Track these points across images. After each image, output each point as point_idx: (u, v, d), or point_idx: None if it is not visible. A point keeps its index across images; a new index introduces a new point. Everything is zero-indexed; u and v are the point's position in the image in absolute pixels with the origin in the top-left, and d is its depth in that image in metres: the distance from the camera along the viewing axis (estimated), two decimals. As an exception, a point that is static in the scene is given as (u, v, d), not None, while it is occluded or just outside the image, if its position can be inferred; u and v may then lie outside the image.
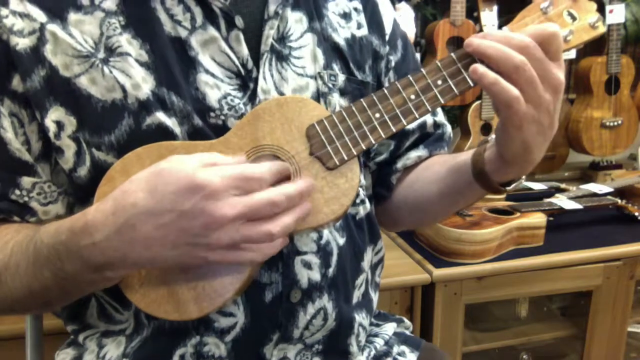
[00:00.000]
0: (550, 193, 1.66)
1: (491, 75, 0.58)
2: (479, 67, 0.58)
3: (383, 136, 0.61)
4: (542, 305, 1.67)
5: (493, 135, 0.67)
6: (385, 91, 0.62)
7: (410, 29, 1.71)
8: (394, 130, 0.61)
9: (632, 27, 1.93)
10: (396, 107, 0.61)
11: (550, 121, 0.60)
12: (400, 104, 0.61)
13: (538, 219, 1.39)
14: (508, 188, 0.69)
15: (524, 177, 0.69)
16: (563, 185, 1.74)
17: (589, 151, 1.95)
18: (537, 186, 1.72)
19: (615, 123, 1.94)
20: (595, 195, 1.59)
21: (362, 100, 0.62)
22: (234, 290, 0.58)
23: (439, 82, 0.61)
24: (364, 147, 0.61)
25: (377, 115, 0.61)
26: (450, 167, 0.75)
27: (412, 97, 0.61)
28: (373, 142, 0.61)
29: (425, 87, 0.61)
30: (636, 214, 1.54)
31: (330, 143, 0.61)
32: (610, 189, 1.62)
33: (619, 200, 1.57)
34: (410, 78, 0.62)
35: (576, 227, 1.53)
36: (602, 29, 0.64)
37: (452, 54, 0.61)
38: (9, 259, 0.60)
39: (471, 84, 0.61)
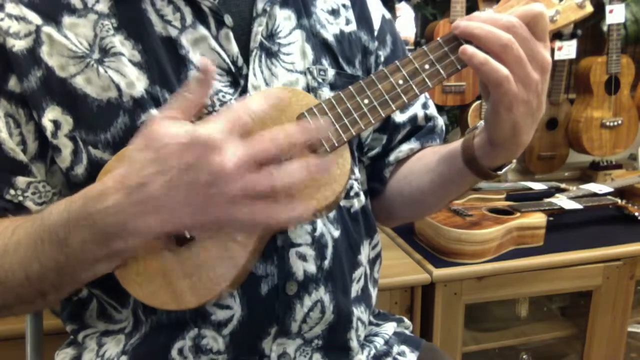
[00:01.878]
0: (550, 193, 1.67)
1: (481, 55, 0.58)
2: (468, 48, 0.59)
3: (372, 122, 0.62)
4: (542, 305, 1.67)
5: (482, 122, 0.68)
6: (373, 77, 0.62)
7: (410, 29, 1.72)
8: (383, 115, 0.62)
9: (632, 27, 1.93)
10: (385, 93, 0.62)
11: (538, 102, 0.61)
12: (388, 89, 0.62)
13: (538, 219, 1.39)
14: (499, 172, 0.69)
15: (514, 161, 0.69)
16: (563, 185, 1.74)
17: (589, 151, 1.95)
18: (537, 186, 1.72)
19: (615, 123, 1.94)
20: (595, 195, 1.60)
21: (350, 87, 0.62)
22: (230, 279, 0.58)
23: (427, 66, 0.62)
24: (354, 133, 0.61)
25: (366, 101, 0.62)
26: (442, 156, 0.76)
27: (400, 82, 0.62)
28: (363, 127, 0.62)
29: (412, 72, 0.62)
30: (636, 214, 1.54)
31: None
32: (610, 189, 1.62)
33: (619, 200, 1.57)
34: (398, 63, 0.62)
35: (576, 227, 1.53)
36: (589, 9, 0.64)
37: (439, 38, 0.62)
38: (9, 240, 0.58)
39: (458, 67, 0.62)
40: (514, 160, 0.69)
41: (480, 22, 0.59)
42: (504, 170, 0.69)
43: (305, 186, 0.59)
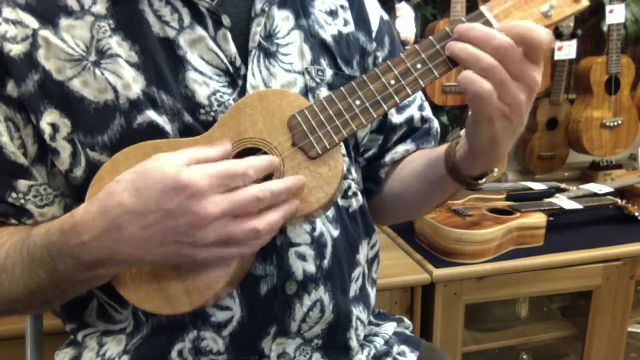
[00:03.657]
0: (550, 193, 1.66)
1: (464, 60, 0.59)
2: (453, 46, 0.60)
3: (364, 123, 0.61)
4: (542, 305, 1.67)
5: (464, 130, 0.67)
6: (365, 77, 0.61)
7: (410, 29, 1.71)
8: (375, 116, 0.61)
9: (632, 27, 1.93)
10: (376, 93, 0.61)
11: (519, 120, 0.60)
12: (380, 89, 0.61)
13: (538, 219, 1.39)
14: (480, 181, 0.69)
15: (495, 170, 0.69)
16: (563, 185, 1.74)
17: (589, 151, 1.95)
18: (537, 186, 1.72)
19: (615, 123, 1.94)
20: (595, 195, 1.60)
21: (342, 88, 0.61)
22: (224, 283, 0.58)
23: (418, 65, 0.61)
24: (345, 135, 0.61)
25: (358, 102, 0.61)
26: (427, 160, 0.76)
27: (392, 82, 0.61)
28: (355, 129, 0.61)
29: (404, 71, 0.61)
30: (636, 214, 1.54)
31: (312, 132, 0.61)
32: (610, 189, 1.62)
33: (619, 200, 1.57)
34: (389, 63, 0.61)
35: (576, 227, 1.53)
36: (585, 2, 0.62)
37: (431, 36, 0.61)
38: (4, 261, 0.61)
39: (450, 66, 0.61)
40: (496, 170, 0.69)
41: (474, 35, 0.58)
42: (484, 179, 0.69)
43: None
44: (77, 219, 0.55)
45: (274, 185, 0.55)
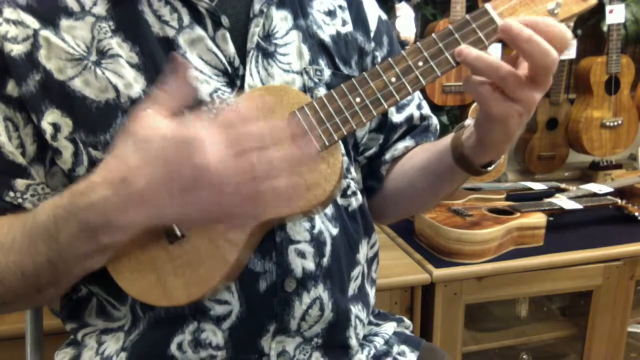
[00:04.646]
0: (550, 193, 1.67)
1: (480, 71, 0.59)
2: (464, 49, 0.59)
3: (364, 120, 0.61)
4: (542, 305, 1.67)
5: (468, 120, 0.68)
6: (366, 75, 0.61)
7: (410, 29, 1.71)
8: (375, 114, 0.61)
9: (632, 27, 1.93)
10: (377, 91, 0.61)
11: (530, 114, 0.62)
12: (380, 87, 0.61)
13: (538, 219, 1.39)
14: (489, 169, 0.70)
15: (503, 156, 0.71)
16: (563, 185, 1.74)
17: (589, 151, 1.95)
18: (537, 186, 1.72)
19: (615, 123, 1.94)
20: (595, 195, 1.60)
21: (342, 85, 0.61)
22: (221, 277, 0.58)
23: (420, 63, 0.61)
24: (345, 132, 0.61)
25: (358, 99, 0.61)
26: (432, 153, 0.77)
27: (393, 80, 0.61)
28: (354, 126, 0.61)
29: (405, 69, 0.61)
30: (636, 214, 1.54)
31: (311, 130, 0.60)
32: (610, 189, 1.62)
33: (619, 200, 1.57)
34: (391, 61, 0.61)
35: (576, 227, 1.53)
36: (593, 1, 0.61)
37: (433, 34, 0.61)
38: (4, 237, 0.60)
39: (453, 64, 0.61)
40: (503, 156, 0.71)
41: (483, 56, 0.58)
42: (493, 166, 0.70)
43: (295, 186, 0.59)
44: (86, 182, 0.53)
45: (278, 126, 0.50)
